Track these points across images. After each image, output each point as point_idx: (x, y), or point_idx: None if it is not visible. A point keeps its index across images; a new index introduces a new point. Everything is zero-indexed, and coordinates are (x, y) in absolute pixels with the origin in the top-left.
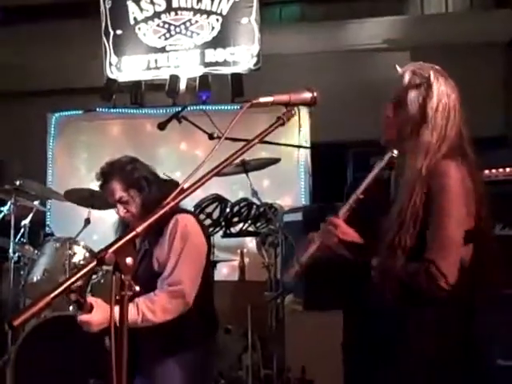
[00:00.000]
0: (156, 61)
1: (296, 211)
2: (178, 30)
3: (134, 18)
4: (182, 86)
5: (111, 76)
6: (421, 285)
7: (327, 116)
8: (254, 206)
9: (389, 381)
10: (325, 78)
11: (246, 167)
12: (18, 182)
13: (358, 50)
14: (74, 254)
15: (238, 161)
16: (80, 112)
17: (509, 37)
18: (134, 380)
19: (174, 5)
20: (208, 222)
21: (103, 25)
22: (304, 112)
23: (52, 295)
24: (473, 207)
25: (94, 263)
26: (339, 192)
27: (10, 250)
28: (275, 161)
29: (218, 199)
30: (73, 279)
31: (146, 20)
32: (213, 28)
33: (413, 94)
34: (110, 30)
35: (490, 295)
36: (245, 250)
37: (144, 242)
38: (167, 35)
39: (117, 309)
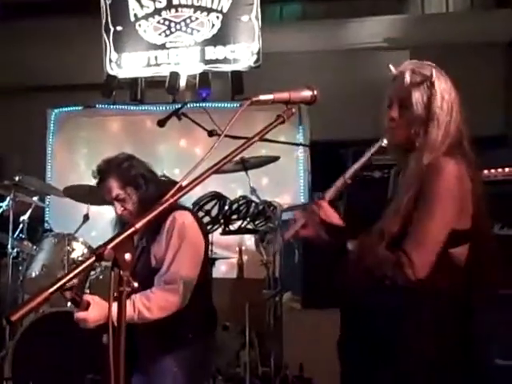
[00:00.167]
0: (156, 58)
1: (295, 209)
2: (178, 26)
3: (135, 15)
4: (182, 83)
5: (111, 72)
6: (386, 271)
7: (327, 114)
8: (253, 204)
9: (388, 381)
10: (325, 77)
11: (245, 165)
12: (17, 178)
13: (359, 48)
14: (73, 249)
15: (237, 158)
16: (80, 108)
17: (509, 37)
18: (131, 377)
19: (175, 2)
20: (207, 219)
21: (103, 21)
22: (304, 110)
23: (50, 290)
24: (470, 206)
25: (93, 259)
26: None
27: (9, 246)
28: (274, 159)
29: (217, 196)
30: (71, 275)
31: (146, 17)
32: (213, 25)
33: (417, 94)
34: (111, 26)
35: (488, 295)
36: (243, 248)
37: (142, 239)
38: (167, 32)
39: (115, 305)
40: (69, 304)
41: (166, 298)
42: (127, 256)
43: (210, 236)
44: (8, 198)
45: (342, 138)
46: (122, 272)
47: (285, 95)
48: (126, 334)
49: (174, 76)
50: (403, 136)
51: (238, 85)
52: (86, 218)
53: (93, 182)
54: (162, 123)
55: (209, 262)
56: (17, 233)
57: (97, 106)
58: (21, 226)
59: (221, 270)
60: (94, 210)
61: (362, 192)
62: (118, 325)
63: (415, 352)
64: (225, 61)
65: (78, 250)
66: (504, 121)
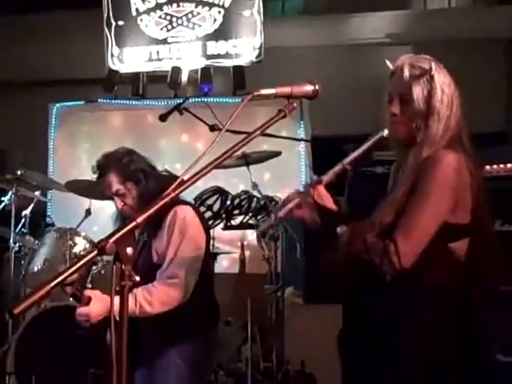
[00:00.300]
0: (158, 52)
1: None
2: (179, 21)
3: (136, 9)
4: (184, 77)
5: (113, 67)
6: (374, 258)
7: (328, 109)
8: (255, 199)
9: (388, 382)
10: (327, 72)
11: (247, 160)
12: (19, 172)
13: (361, 44)
14: (75, 244)
15: (239, 153)
16: (81, 103)
17: (511, 33)
18: (134, 372)
19: None
20: (208, 214)
21: (105, 16)
22: (305, 105)
23: (52, 284)
24: (468, 200)
25: (95, 253)
26: (339, 185)
27: (11, 240)
28: (276, 154)
29: (219, 191)
30: (73, 268)
31: (148, 11)
32: (215, 20)
33: (417, 89)
34: (112, 20)
35: (488, 291)
36: (245, 243)
37: (143, 234)
38: (169, 27)
39: (117, 300)
40: (70, 299)
41: (167, 293)
42: (129, 250)
43: (211, 231)
44: (10, 193)
45: (343, 133)
46: (123, 266)
47: (287, 89)
48: (129, 328)
49: (176, 71)
50: (405, 131)
51: (239, 80)
52: (88, 212)
53: (94, 176)
54: (163, 118)
55: (210, 256)
56: (19, 227)
57: (99, 100)
58: (23, 220)
59: (223, 265)
60: (96, 204)
61: (364, 187)
62: (120, 319)
63: (416, 353)
64: (227, 56)
65: (80, 245)
66: (505, 117)
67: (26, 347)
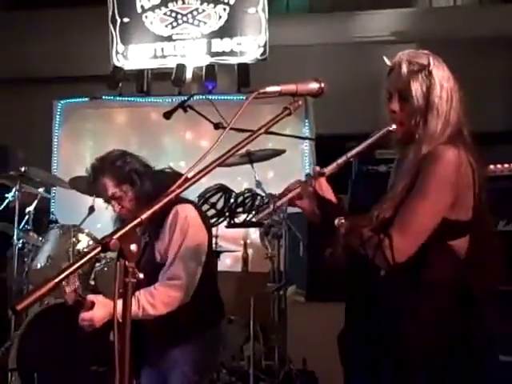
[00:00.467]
0: (162, 49)
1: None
2: (184, 18)
3: (141, 6)
4: (189, 75)
5: (117, 64)
6: (369, 251)
7: (333, 108)
8: (259, 197)
9: (389, 371)
10: (331, 70)
11: (251, 158)
12: (23, 169)
13: (366, 41)
14: (78, 241)
15: (243, 151)
16: (86, 100)
17: None
18: (141, 370)
19: None
20: (212, 212)
21: (110, 12)
22: (310, 104)
23: (55, 281)
24: (470, 197)
25: (99, 249)
26: (344, 184)
27: (15, 237)
28: (280, 152)
29: (223, 189)
30: (77, 265)
31: (153, 8)
32: (220, 17)
33: (416, 85)
34: (117, 17)
35: (488, 289)
36: (248, 241)
37: (144, 235)
38: (174, 24)
39: (120, 302)
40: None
41: (168, 294)
42: (133, 247)
43: (215, 229)
44: (14, 189)
45: (347, 131)
46: (127, 263)
47: (292, 87)
48: (135, 327)
49: (181, 68)
50: (404, 128)
51: (244, 77)
52: (92, 209)
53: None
54: (167, 115)
55: (213, 253)
56: (22, 224)
57: (103, 97)
58: (26, 217)
59: (225, 263)
60: (100, 201)
61: (367, 185)
62: (123, 318)
63: (414, 349)
64: (231, 53)
65: (84, 242)
66: (510, 116)
67: (29, 344)
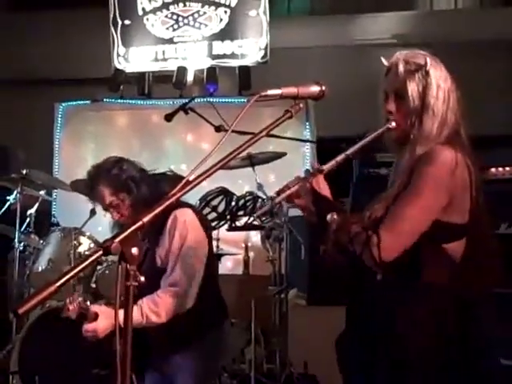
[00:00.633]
0: (164, 52)
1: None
2: (186, 21)
3: (143, 9)
4: (190, 77)
5: (119, 67)
6: (357, 248)
7: (334, 111)
8: (260, 200)
9: (384, 372)
10: (332, 73)
11: (252, 161)
12: (24, 172)
13: (367, 44)
14: (80, 244)
15: (244, 154)
16: (87, 102)
17: None
18: (144, 374)
19: None
20: (213, 215)
21: (111, 15)
22: (311, 106)
23: (57, 284)
24: (466, 201)
25: (100, 252)
26: (345, 187)
27: (16, 240)
28: (281, 155)
29: (224, 192)
30: (79, 268)
31: (154, 11)
32: (221, 20)
33: (412, 85)
34: (119, 20)
35: (486, 292)
36: (249, 244)
37: (144, 241)
38: (175, 26)
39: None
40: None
41: (171, 301)
42: (134, 250)
43: (216, 232)
44: (15, 192)
45: (348, 134)
46: (129, 266)
47: (293, 90)
48: (138, 332)
49: (182, 71)
50: (400, 129)
51: (245, 80)
52: (93, 212)
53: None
54: (169, 118)
55: (214, 255)
56: (24, 226)
57: (104, 100)
58: (28, 219)
59: (227, 266)
60: None
61: (368, 189)
62: (125, 322)
63: (411, 350)
64: (232, 56)
65: (85, 245)
66: (511, 119)
67: (30, 347)
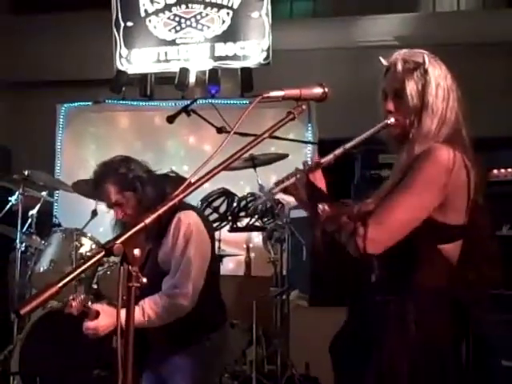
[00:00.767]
0: (166, 53)
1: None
2: (188, 23)
3: (145, 11)
4: (192, 79)
5: (121, 68)
6: (343, 238)
7: (336, 112)
8: (258, 195)
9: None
10: (335, 75)
11: (254, 162)
12: (26, 173)
13: (369, 46)
14: (81, 245)
15: (246, 155)
16: (89, 103)
17: None
18: (142, 375)
19: None
20: (215, 216)
21: (114, 16)
22: (313, 108)
23: (59, 285)
24: (463, 201)
25: (102, 253)
26: (347, 189)
27: (17, 240)
28: (283, 156)
29: (226, 193)
30: (81, 269)
31: (156, 12)
32: (223, 22)
33: (411, 84)
34: (121, 21)
35: (483, 295)
36: (251, 245)
37: (147, 241)
38: (177, 28)
39: (123, 311)
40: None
41: (173, 303)
42: (136, 251)
43: (217, 233)
44: (17, 193)
45: (350, 136)
46: (130, 267)
47: (296, 92)
48: (139, 332)
49: (184, 72)
50: (399, 128)
51: (247, 82)
52: (95, 213)
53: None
54: (171, 119)
55: (216, 258)
56: (25, 227)
57: (106, 101)
58: (29, 220)
59: (228, 267)
60: (103, 205)
61: (370, 190)
62: (127, 323)
63: (401, 353)
64: (234, 57)
65: (86, 246)
66: None
67: (31, 347)
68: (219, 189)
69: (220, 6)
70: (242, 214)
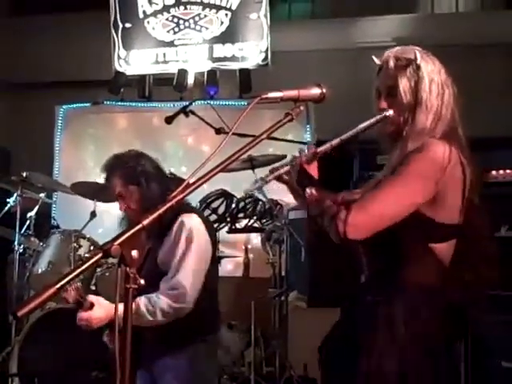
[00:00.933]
0: (164, 55)
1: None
2: (186, 24)
3: (144, 12)
4: (190, 80)
5: (119, 69)
6: (325, 222)
7: (335, 113)
8: (260, 203)
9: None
10: (333, 76)
11: (253, 163)
12: (24, 174)
13: (367, 47)
14: (80, 246)
15: (244, 156)
16: (88, 105)
17: None
18: (136, 373)
19: None
20: (213, 217)
21: (112, 18)
22: (311, 109)
23: (57, 286)
24: (457, 199)
25: (100, 255)
26: (345, 190)
27: (16, 242)
28: (282, 157)
29: (224, 194)
30: (78, 271)
31: (155, 14)
32: (222, 23)
33: (403, 80)
34: (119, 23)
35: (481, 295)
36: (249, 246)
37: (148, 240)
38: (176, 29)
39: (120, 307)
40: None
41: (169, 304)
42: (134, 253)
43: (216, 234)
44: (15, 194)
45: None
46: (128, 269)
47: (294, 93)
48: (132, 331)
49: (182, 73)
50: (393, 126)
51: (245, 83)
52: (93, 214)
53: (100, 178)
54: (169, 120)
55: (215, 263)
56: (24, 229)
57: (105, 102)
58: (28, 222)
59: (227, 268)
60: (101, 206)
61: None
62: (124, 324)
63: (389, 352)
64: (233, 59)
65: (85, 247)
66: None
67: (30, 349)
68: (218, 190)
69: (218, 8)
70: (241, 215)
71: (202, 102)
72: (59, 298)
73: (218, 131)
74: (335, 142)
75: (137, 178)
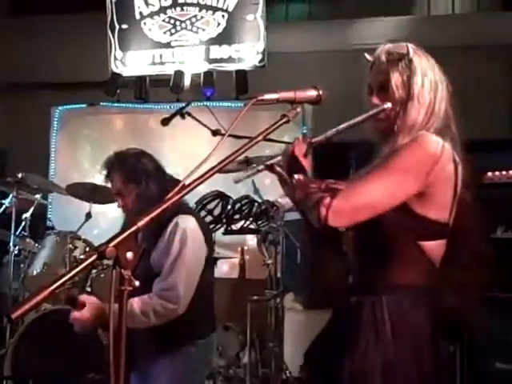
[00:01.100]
0: (161, 56)
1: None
2: (183, 25)
3: (140, 13)
4: (187, 81)
5: (116, 70)
6: (308, 207)
7: (331, 115)
8: (256, 204)
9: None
10: (330, 77)
11: (248, 164)
12: (20, 175)
13: (364, 49)
14: (75, 248)
15: (241, 158)
16: (84, 106)
17: None
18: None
19: (180, 0)
20: (209, 218)
21: (109, 19)
22: (308, 111)
23: (51, 288)
24: (447, 197)
25: (95, 257)
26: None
27: (11, 243)
28: None
29: (220, 196)
30: (73, 272)
31: (151, 15)
32: (218, 24)
33: (395, 75)
34: (116, 24)
35: (474, 296)
36: (245, 248)
37: (143, 242)
38: (172, 31)
39: (114, 308)
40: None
41: (163, 305)
42: (129, 255)
43: (212, 236)
44: (11, 196)
45: (346, 139)
46: (123, 271)
47: (290, 94)
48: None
49: (179, 75)
50: (386, 121)
51: (242, 84)
52: (89, 216)
53: (96, 180)
54: (165, 122)
55: (211, 265)
56: (19, 230)
57: (101, 104)
58: (23, 223)
59: (222, 269)
60: (97, 208)
61: None
62: (119, 325)
63: (374, 354)
64: (229, 60)
65: (80, 248)
66: (510, 123)
67: (24, 351)
68: (213, 191)
69: (215, 9)
70: (237, 216)
71: (199, 103)
72: (54, 299)
73: (215, 133)
74: (330, 132)
75: (137, 177)
